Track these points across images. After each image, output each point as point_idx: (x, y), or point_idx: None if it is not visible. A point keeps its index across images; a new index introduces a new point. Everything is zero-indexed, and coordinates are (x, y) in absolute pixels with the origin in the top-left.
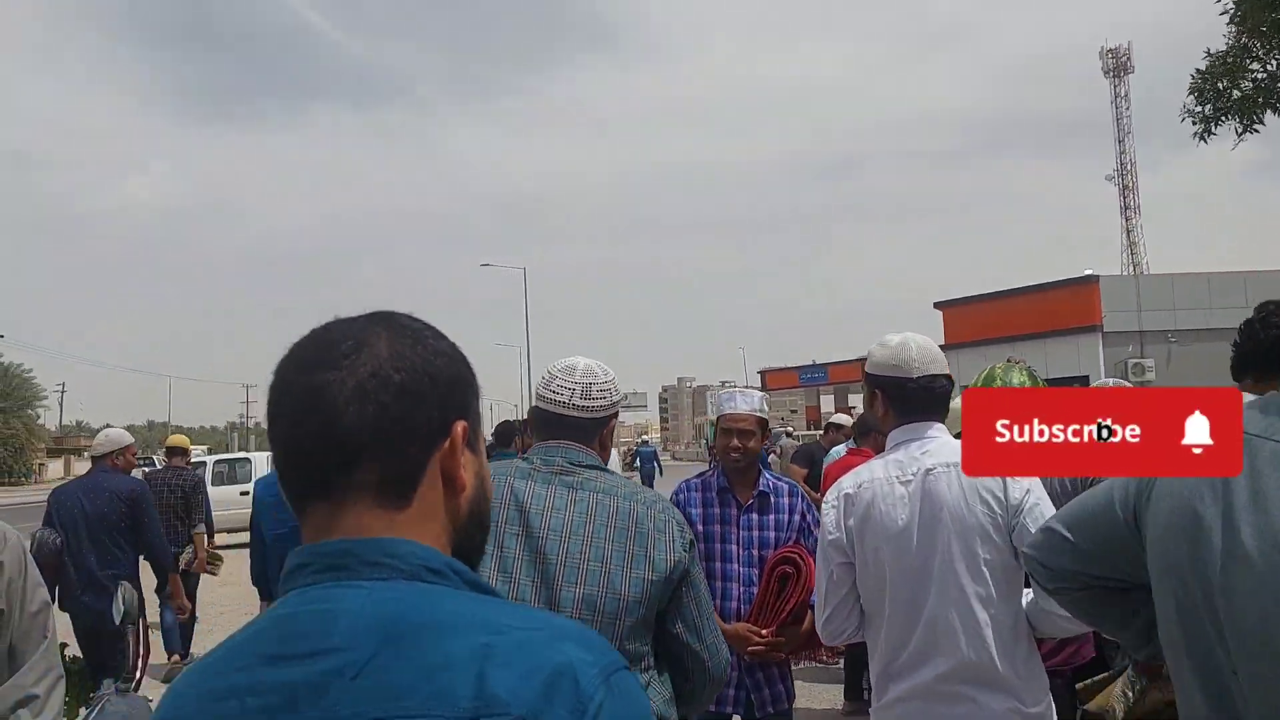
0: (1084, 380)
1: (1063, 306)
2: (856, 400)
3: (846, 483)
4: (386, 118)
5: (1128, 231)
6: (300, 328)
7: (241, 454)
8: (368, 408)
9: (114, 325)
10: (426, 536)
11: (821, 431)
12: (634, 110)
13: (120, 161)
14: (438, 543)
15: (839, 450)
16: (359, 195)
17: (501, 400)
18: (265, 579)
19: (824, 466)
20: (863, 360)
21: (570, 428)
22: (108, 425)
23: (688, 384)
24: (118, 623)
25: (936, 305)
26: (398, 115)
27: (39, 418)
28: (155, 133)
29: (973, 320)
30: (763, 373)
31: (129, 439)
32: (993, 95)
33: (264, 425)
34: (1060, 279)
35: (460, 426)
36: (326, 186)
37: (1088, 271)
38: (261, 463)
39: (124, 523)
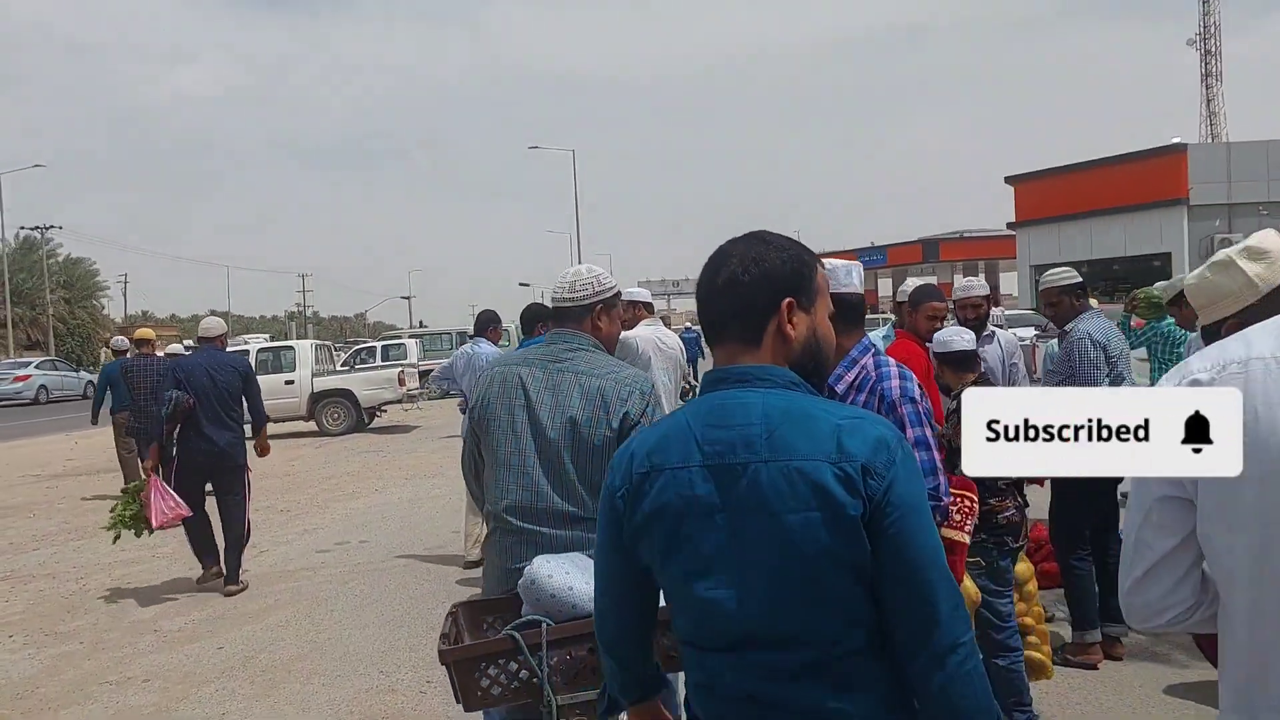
0: (1166, 257)
1: (1146, 178)
2: (917, 284)
3: (1197, 365)
4: None
5: (1208, 101)
6: (355, 217)
7: (286, 342)
8: (727, 298)
9: (173, 216)
10: (778, 364)
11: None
12: None
13: (174, 52)
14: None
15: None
16: (409, 79)
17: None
18: None
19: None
20: (923, 242)
21: (563, 314)
22: (173, 315)
23: None
24: None
25: (1008, 180)
26: None
27: (104, 308)
28: (206, 22)
29: (1047, 195)
30: (819, 255)
31: (224, 327)
32: None
33: (320, 314)
34: (1143, 149)
35: (786, 302)
36: (376, 72)
37: (1175, 139)
38: (306, 351)
39: (238, 390)
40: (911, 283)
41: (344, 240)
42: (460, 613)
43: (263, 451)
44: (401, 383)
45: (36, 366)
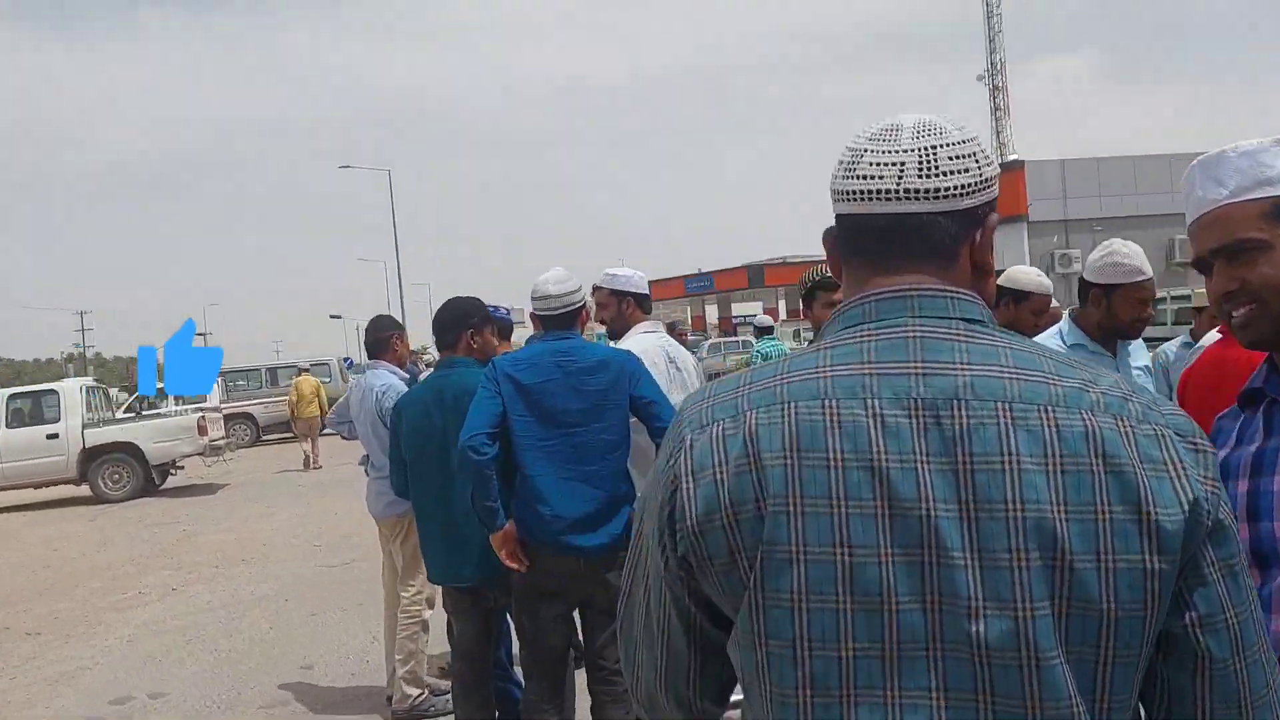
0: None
1: None
2: (742, 309)
3: None
4: (223, 21)
5: (997, 133)
6: (144, 247)
7: (47, 385)
8: None
9: None
10: None
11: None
12: (496, 17)
13: None
14: None
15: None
16: (203, 104)
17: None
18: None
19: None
20: (748, 267)
21: (911, 235)
22: None
23: None
24: None
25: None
26: (235, 18)
27: None
28: None
29: None
30: (650, 281)
31: None
32: (851, 5)
33: (103, 355)
34: None
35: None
36: (166, 96)
37: (1013, 156)
38: (75, 395)
39: None
40: None
41: (131, 275)
42: None
43: None
44: (203, 431)
45: None
